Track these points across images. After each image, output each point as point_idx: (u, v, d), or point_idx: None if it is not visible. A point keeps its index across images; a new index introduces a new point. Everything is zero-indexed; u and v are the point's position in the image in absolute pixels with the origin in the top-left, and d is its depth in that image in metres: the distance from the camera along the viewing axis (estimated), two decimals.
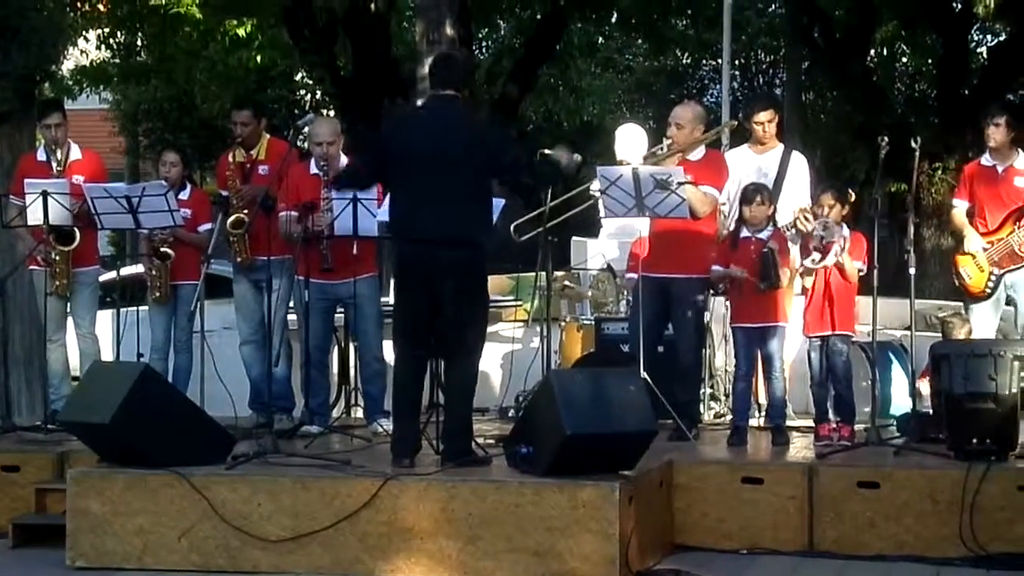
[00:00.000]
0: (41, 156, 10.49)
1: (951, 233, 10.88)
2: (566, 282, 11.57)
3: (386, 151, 8.32)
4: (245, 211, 9.95)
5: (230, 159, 10.29)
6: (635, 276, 10.30)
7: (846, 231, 9.16)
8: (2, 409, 10.67)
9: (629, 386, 7.82)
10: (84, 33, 22.09)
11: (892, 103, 24.62)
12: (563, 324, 11.34)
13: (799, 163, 10.37)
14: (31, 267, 10.39)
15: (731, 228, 9.80)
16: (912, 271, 9.16)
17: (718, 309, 10.33)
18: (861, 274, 9.10)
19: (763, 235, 9.28)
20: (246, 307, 10.30)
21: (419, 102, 8.41)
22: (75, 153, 10.40)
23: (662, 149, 9.75)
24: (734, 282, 9.31)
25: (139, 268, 10.96)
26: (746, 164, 10.20)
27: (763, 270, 9.13)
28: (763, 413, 9.98)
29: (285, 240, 9.67)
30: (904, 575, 7.65)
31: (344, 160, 9.86)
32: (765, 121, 10.25)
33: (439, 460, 8.10)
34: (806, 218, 9.48)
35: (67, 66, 22.16)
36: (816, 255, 9.20)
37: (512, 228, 10.69)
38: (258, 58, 23.34)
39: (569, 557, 7.32)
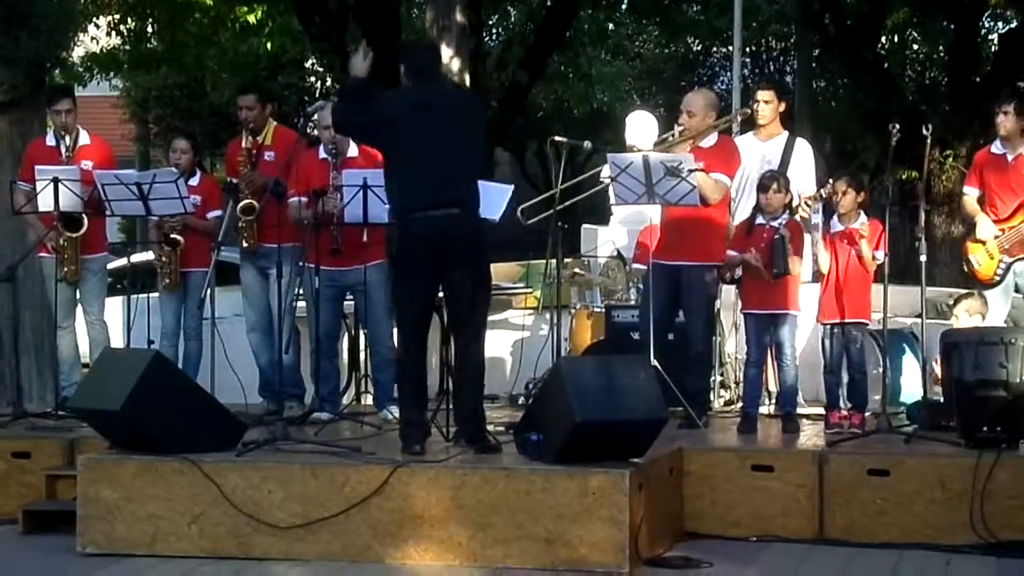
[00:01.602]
0: (50, 142, 10.51)
1: (962, 220, 10.84)
2: (576, 269, 11.57)
3: (383, 133, 8.27)
4: (254, 197, 9.97)
5: (242, 145, 10.30)
6: (641, 266, 10.30)
7: (864, 218, 9.16)
8: (13, 396, 10.69)
9: (639, 373, 7.80)
10: (94, 19, 22.09)
11: (903, 90, 24.59)
12: (573, 311, 11.35)
13: (803, 150, 10.37)
14: (40, 254, 10.40)
15: (737, 216, 9.81)
16: (923, 259, 9.14)
17: (728, 296, 10.33)
18: (877, 263, 9.09)
19: (778, 222, 9.26)
20: (252, 294, 10.31)
21: (406, 85, 8.39)
22: (83, 139, 10.42)
23: (673, 136, 9.74)
24: (748, 269, 9.30)
25: (149, 255, 10.97)
26: (750, 152, 10.20)
27: (773, 257, 9.12)
28: (773, 401, 9.98)
29: (296, 226, 9.69)
30: (914, 563, 7.63)
31: (353, 146, 9.83)
32: (762, 100, 10.28)
33: (453, 442, 8.14)
34: (808, 205, 9.47)
35: (77, 52, 22.14)
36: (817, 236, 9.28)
37: (520, 211, 10.69)
38: (268, 45, 23.33)
39: (579, 544, 7.32)
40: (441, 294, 8.32)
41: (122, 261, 11.56)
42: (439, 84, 8.57)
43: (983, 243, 9.84)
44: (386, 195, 8.60)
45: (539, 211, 10.71)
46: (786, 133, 10.44)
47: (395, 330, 8.86)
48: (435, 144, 8.03)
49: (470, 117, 8.35)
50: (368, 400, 10.81)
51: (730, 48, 19.54)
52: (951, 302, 10.56)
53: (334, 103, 8.79)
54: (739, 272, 9.50)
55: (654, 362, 8.95)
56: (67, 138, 10.31)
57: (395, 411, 9.50)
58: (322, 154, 9.91)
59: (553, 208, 9.52)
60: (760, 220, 9.34)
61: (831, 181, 9.53)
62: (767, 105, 10.32)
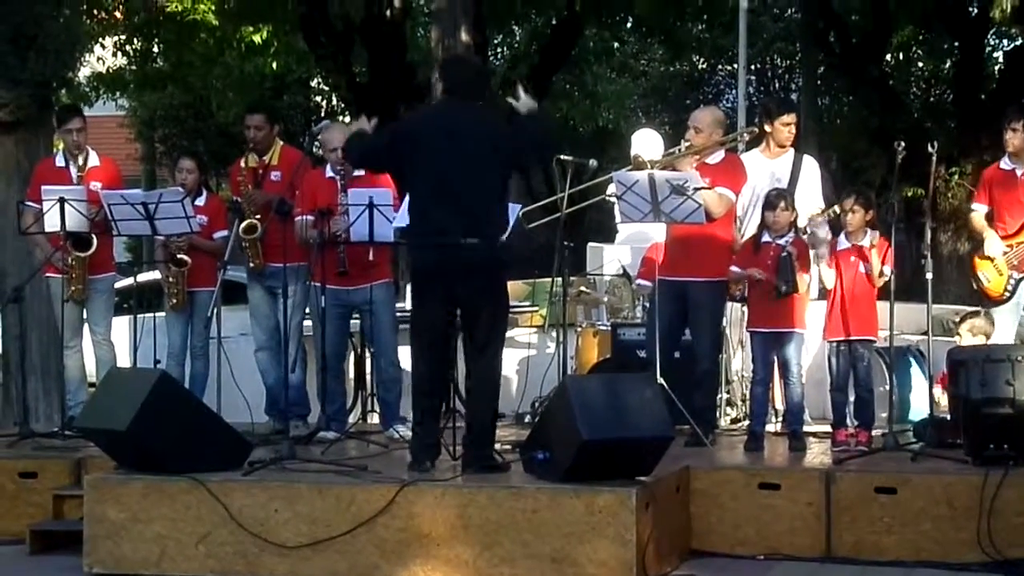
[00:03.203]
0: (59, 162, 10.54)
1: (970, 237, 10.84)
2: (582, 288, 11.56)
3: (402, 153, 8.23)
4: (257, 216, 9.99)
5: (243, 164, 10.33)
6: (647, 283, 10.29)
7: (870, 235, 9.15)
8: (20, 415, 10.70)
9: (645, 391, 7.81)
10: (100, 40, 22.15)
11: (908, 107, 24.62)
12: (579, 330, 11.34)
13: (811, 167, 10.37)
14: (47, 274, 10.41)
15: (746, 234, 9.81)
16: (929, 276, 9.13)
17: (734, 314, 10.33)
18: (884, 279, 9.07)
19: (784, 240, 9.26)
20: (260, 314, 10.32)
21: (435, 103, 8.38)
22: (93, 159, 10.44)
23: (679, 150, 9.75)
24: (754, 285, 9.30)
25: (156, 274, 10.98)
26: (759, 169, 10.19)
27: (780, 274, 9.11)
28: (780, 418, 9.97)
29: (301, 245, 9.69)
30: None
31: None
32: (791, 123, 10.26)
33: (459, 466, 8.11)
34: (804, 230, 9.46)
35: (83, 73, 22.21)
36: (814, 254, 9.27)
37: (521, 213, 10.66)
38: (274, 64, 23.42)
39: (586, 563, 7.31)
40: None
41: (128, 281, 11.56)
42: (471, 108, 8.28)
43: (992, 260, 9.84)
44: (408, 216, 8.50)
45: (541, 217, 10.72)
46: (793, 150, 10.43)
47: (405, 348, 8.83)
48: (460, 173, 7.98)
49: (498, 143, 8.14)
50: (374, 419, 10.81)
51: (735, 66, 19.63)
52: (957, 319, 10.55)
53: (347, 142, 8.73)
54: (747, 290, 9.50)
55: (660, 380, 8.95)
56: (79, 158, 10.33)
57: (401, 430, 9.52)
58: (329, 173, 9.91)
59: (556, 219, 9.52)
60: (766, 238, 9.34)
61: (842, 201, 9.49)
62: (793, 127, 10.31)
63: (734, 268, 9.38)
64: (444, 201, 7.99)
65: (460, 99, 8.29)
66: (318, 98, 29.83)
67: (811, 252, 9.34)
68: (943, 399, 9.43)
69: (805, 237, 9.47)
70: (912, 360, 10.68)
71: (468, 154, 8.01)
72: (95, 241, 10.10)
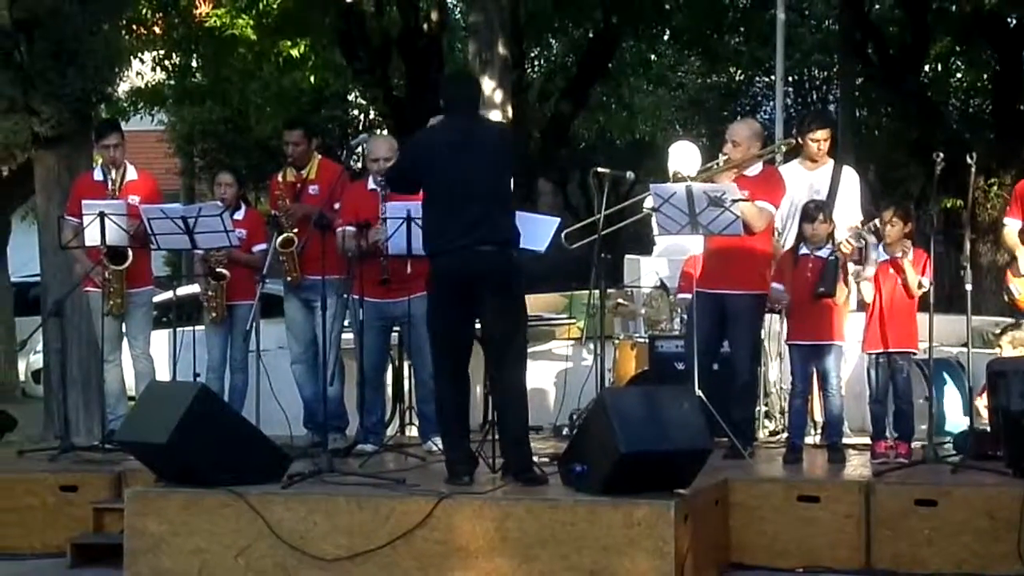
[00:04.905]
0: (97, 176, 10.60)
1: (1004, 250, 10.80)
2: (619, 300, 11.55)
3: (420, 168, 8.37)
4: (295, 230, 10.02)
5: (280, 179, 10.37)
6: (687, 296, 10.28)
7: (909, 246, 9.13)
8: (60, 429, 10.74)
9: (684, 404, 7.80)
10: (139, 55, 22.26)
11: (947, 118, 24.51)
12: (617, 342, 11.33)
13: (850, 179, 10.33)
14: (87, 289, 10.47)
15: (786, 245, 9.78)
16: (968, 287, 9.10)
17: (772, 326, 10.31)
18: (923, 290, 9.04)
19: (823, 253, 9.23)
20: (296, 326, 10.35)
21: (440, 119, 8.51)
22: (131, 174, 10.50)
23: (717, 164, 9.74)
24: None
25: (195, 288, 11.03)
26: (798, 181, 10.16)
27: (824, 277, 9.07)
28: (819, 431, 9.94)
29: (341, 256, 9.72)
30: None
31: None
32: (821, 139, 10.20)
33: (498, 478, 8.12)
34: (849, 241, 9.44)
35: (123, 88, 22.32)
36: (857, 267, 9.23)
37: (563, 236, 10.71)
38: (312, 79, 23.50)
39: None
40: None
41: (168, 294, 11.62)
42: (475, 120, 8.62)
43: None
44: (421, 230, 8.61)
45: (583, 237, 10.74)
46: (832, 161, 10.39)
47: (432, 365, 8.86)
48: (471, 183, 8.08)
49: (504, 154, 8.40)
50: (412, 432, 10.82)
51: (772, 78, 19.60)
52: (997, 331, 10.50)
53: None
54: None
55: (698, 392, 8.93)
56: (114, 173, 10.39)
57: (439, 443, 9.51)
58: (371, 184, 9.94)
59: (597, 235, 9.53)
60: (804, 250, 9.31)
61: (880, 213, 9.46)
62: (826, 142, 10.27)
63: (776, 286, 9.35)
64: (459, 211, 8.09)
65: (462, 113, 8.43)
66: (355, 112, 29.90)
67: (857, 266, 9.31)
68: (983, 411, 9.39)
69: (843, 247, 9.44)
70: (950, 372, 10.63)
71: (479, 165, 8.15)
72: (130, 254, 10.16)
